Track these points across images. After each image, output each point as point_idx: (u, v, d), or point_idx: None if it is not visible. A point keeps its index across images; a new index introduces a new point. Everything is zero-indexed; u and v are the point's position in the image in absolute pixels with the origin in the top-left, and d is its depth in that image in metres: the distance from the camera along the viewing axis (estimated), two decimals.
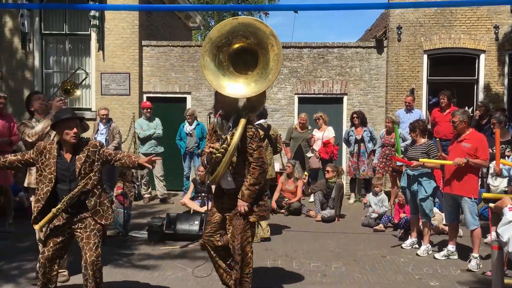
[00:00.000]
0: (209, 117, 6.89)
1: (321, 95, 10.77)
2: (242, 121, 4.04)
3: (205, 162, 4.24)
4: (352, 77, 10.70)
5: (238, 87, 4.06)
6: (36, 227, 3.89)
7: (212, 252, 4.38)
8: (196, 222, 6.67)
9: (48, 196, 3.88)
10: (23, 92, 10.38)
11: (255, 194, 4.12)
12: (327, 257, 5.85)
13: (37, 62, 10.53)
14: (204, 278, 5.06)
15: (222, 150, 3.99)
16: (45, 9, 10.36)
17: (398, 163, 7.41)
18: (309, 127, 9.64)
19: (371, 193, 7.89)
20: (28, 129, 4.76)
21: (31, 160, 4.00)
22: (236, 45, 4.09)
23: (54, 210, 3.84)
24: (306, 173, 9.25)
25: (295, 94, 10.75)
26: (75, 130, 3.90)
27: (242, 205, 4.10)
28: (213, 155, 4.05)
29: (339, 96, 10.78)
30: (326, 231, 7.21)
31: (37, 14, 10.47)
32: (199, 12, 15.92)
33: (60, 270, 4.79)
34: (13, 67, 10.50)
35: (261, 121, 6.75)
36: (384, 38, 10.78)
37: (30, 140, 4.64)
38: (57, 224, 3.93)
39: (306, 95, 10.77)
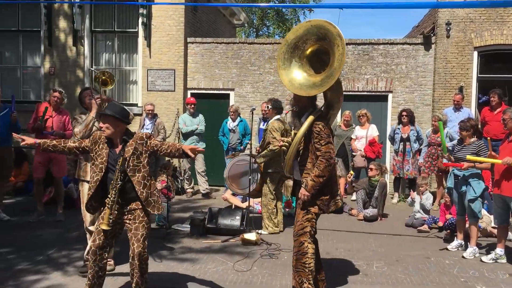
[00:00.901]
0: (252, 113, 6.97)
1: (365, 93, 10.60)
2: (310, 118, 4.27)
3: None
4: (398, 74, 10.47)
5: (305, 85, 4.28)
6: (104, 226, 3.97)
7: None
8: (238, 217, 6.73)
9: (97, 184, 4.03)
10: (74, 88, 10.76)
11: (319, 186, 4.20)
12: (369, 256, 5.77)
13: (87, 59, 10.89)
14: (244, 273, 5.11)
15: (286, 143, 4.42)
16: (96, 4, 10.67)
17: (445, 160, 7.19)
18: (353, 125, 9.52)
19: (415, 193, 7.71)
20: (77, 126, 4.96)
21: (87, 148, 4.15)
22: (310, 47, 4.32)
23: (106, 201, 3.99)
24: (351, 172, 9.15)
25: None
26: (106, 124, 4.03)
27: (304, 193, 4.20)
28: (284, 148, 4.46)
29: (383, 93, 10.57)
30: (368, 230, 7.11)
31: (88, 12, 10.82)
32: (243, 9, 16.01)
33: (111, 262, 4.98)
34: (64, 63, 10.90)
35: (277, 116, 6.75)
36: (432, 35, 10.48)
37: (77, 137, 4.82)
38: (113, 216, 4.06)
39: (350, 93, 10.62)
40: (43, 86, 10.87)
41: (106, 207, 3.98)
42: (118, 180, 3.97)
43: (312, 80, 4.29)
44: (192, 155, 4.07)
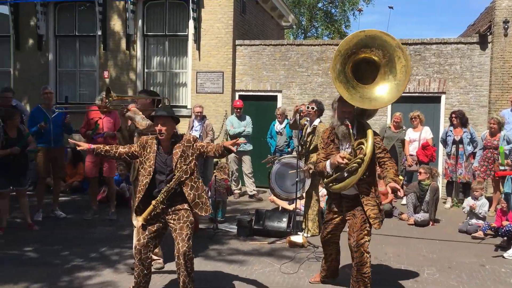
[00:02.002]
0: (300, 115, 6.91)
1: (417, 94, 10.31)
2: (370, 132, 4.21)
3: (328, 169, 4.34)
4: (452, 75, 10.11)
5: (369, 98, 4.19)
6: (140, 219, 4.12)
7: (329, 248, 4.67)
8: (284, 219, 6.71)
9: (147, 187, 4.12)
10: (127, 90, 11.12)
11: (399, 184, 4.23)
12: (419, 262, 5.60)
13: (139, 62, 11.22)
14: (291, 275, 5.08)
15: (358, 160, 4.15)
16: (148, 8, 10.98)
17: (502, 168, 6.87)
18: (404, 127, 9.28)
19: (469, 198, 7.41)
20: (139, 117, 4.89)
21: (136, 153, 4.27)
22: (361, 56, 4.21)
23: (153, 202, 4.07)
24: (401, 177, 8.91)
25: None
26: (160, 127, 4.09)
27: (395, 187, 4.17)
28: (345, 165, 4.18)
29: (436, 95, 10.24)
30: (419, 236, 6.90)
31: (140, 16, 11.14)
32: (292, 11, 15.97)
33: (155, 258, 5.10)
34: (118, 66, 11.28)
35: (318, 120, 6.65)
36: (488, 33, 10.05)
37: (141, 128, 4.86)
38: (153, 213, 4.15)
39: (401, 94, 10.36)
40: (98, 88, 11.29)
41: (151, 205, 4.08)
42: (174, 185, 4.06)
43: (369, 92, 4.19)
44: (234, 149, 4.10)
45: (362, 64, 4.24)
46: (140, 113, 4.95)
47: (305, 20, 30.36)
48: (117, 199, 7.82)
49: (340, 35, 29.57)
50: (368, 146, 4.13)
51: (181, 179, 4.09)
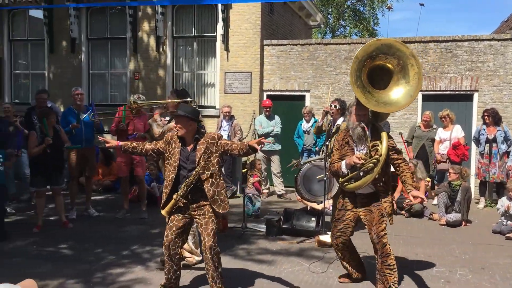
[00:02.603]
0: (327, 114, 6.89)
1: (448, 92, 10.12)
2: (385, 134, 4.41)
3: (343, 170, 4.52)
4: (484, 72, 9.88)
5: (384, 103, 4.46)
6: (164, 212, 4.28)
7: (341, 248, 4.71)
8: (313, 219, 6.71)
9: (172, 182, 4.23)
10: (157, 91, 11.30)
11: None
12: (451, 263, 5.51)
13: (169, 63, 11.38)
14: (320, 274, 5.08)
15: (374, 160, 4.32)
16: (177, 10, 11.13)
17: None
18: (434, 126, 9.13)
19: (504, 198, 7.24)
20: (155, 124, 5.27)
21: (161, 149, 4.39)
22: (376, 63, 4.49)
23: (174, 196, 4.20)
24: (428, 178, 8.79)
25: (419, 91, 10.21)
26: (178, 125, 4.24)
27: (417, 195, 4.28)
28: (361, 165, 4.37)
29: (468, 93, 10.03)
30: (450, 236, 6.78)
31: (170, 18, 11.30)
32: (319, 10, 15.90)
33: (186, 255, 5.19)
34: (148, 68, 11.47)
35: (342, 119, 6.59)
36: None
37: (155, 135, 5.16)
38: (175, 207, 4.25)
39: (431, 92, 10.21)
40: (128, 89, 11.51)
41: (173, 199, 4.19)
42: (193, 180, 4.15)
43: (384, 97, 4.47)
44: (259, 147, 4.16)
45: (376, 70, 4.55)
46: (158, 120, 5.23)
47: (333, 18, 30.16)
48: (147, 198, 7.95)
49: (369, 33, 29.27)
50: (383, 147, 4.33)
51: (201, 175, 4.17)
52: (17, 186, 8.83)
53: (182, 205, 4.23)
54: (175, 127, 4.31)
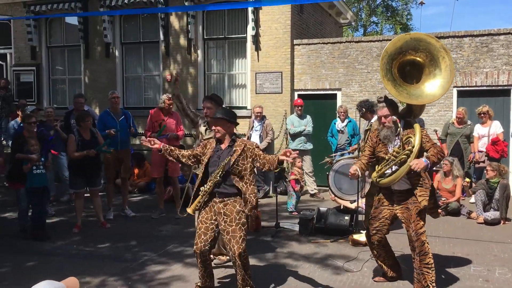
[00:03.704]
0: (360, 113, 6.86)
1: (484, 87, 9.87)
2: (417, 126, 4.40)
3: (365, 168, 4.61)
4: None
5: (416, 95, 4.45)
6: (189, 210, 4.37)
7: (376, 246, 4.69)
8: (346, 218, 6.68)
9: (201, 180, 4.38)
10: (188, 92, 11.47)
11: (434, 165, 4.29)
12: (490, 262, 5.39)
13: (200, 65, 11.52)
14: (354, 273, 5.07)
15: (407, 152, 4.29)
16: (208, 12, 11.28)
17: None
18: (469, 122, 8.93)
19: None
20: (202, 126, 5.58)
21: (198, 154, 4.49)
22: (407, 58, 4.50)
23: (201, 190, 4.31)
24: (467, 179, 8.62)
25: (454, 87, 10.02)
26: (217, 127, 4.36)
27: (418, 164, 4.16)
28: (394, 158, 4.36)
29: (506, 88, 9.76)
30: (489, 235, 6.63)
31: (201, 22, 11.45)
32: (350, 7, 15.76)
33: (221, 258, 5.28)
34: (179, 69, 11.65)
35: (375, 117, 6.51)
36: None
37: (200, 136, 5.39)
38: (206, 214, 4.32)
39: (467, 88, 9.98)
40: (161, 92, 11.71)
41: (199, 195, 4.29)
42: (218, 175, 4.23)
43: (416, 89, 4.45)
44: (289, 159, 4.14)
45: (407, 66, 4.55)
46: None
47: (364, 15, 29.84)
48: (181, 198, 8.08)
49: (402, 27, 28.85)
50: (416, 139, 4.29)
51: (232, 174, 4.24)
52: (57, 188, 9.15)
53: (206, 199, 4.32)
54: (214, 129, 4.40)
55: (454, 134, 8.94)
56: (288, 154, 4.10)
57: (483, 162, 8.52)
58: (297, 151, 4.44)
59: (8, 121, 10.93)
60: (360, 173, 4.60)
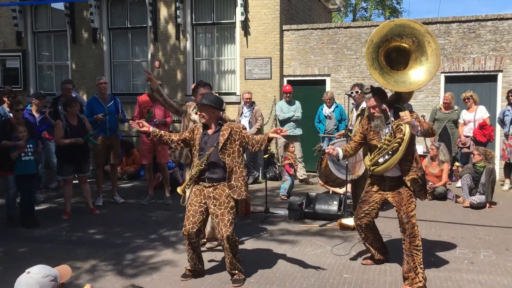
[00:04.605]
0: (349, 98, 6.90)
1: (471, 73, 9.96)
2: (407, 112, 4.34)
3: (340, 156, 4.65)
4: (509, 52, 9.68)
5: (403, 82, 4.47)
6: (178, 190, 4.48)
7: (364, 229, 4.76)
8: (335, 203, 6.76)
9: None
10: (176, 78, 11.41)
11: (425, 132, 4.25)
12: (475, 245, 5.51)
13: (189, 50, 11.45)
14: (342, 256, 5.15)
15: (398, 140, 4.31)
16: None
17: None
18: (456, 107, 9.03)
19: None
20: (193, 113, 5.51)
21: (188, 139, 4.52)
22: (392, 45, 4.51)
23: (188, 175, 4.40)
24: (457, 163, 8.73)
25: (441, 73, 10.10)
26: (203, 113, 4.41)
27: (406, 117, 4.12)
28: (386, 146, 4.38)
29: (492, 73, 9.85)
30: (475, 218, 6.75)
31: (189, 6, 11.35)
32: None
33: (213, 241, 5.34)
34: (168, 55, 11.57)
35: (364, 103, 6.54)
36: None
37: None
38: (195, 196, 4.39)
39: (454, 74, 10.07)
40: None
41: (187, 178, 4.39)
42: (203, 163, 4.31)
43: (404, 76, 4.48)
44: (279, 136, 4.25)
45: (393, 53, 4.57)
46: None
47: (354, 0, 29.78)
48: (171, 185, 8.10)
49: (392, 11, 28.89)
50: (406, 126, 4.30)
51: (220, 157, 4.30)
52: (46, 175, 9.10)
53: (196, 184, 4.40)
54: (199, 114, 4.43)
55: (441, 120, 9.04)
56: (278, 131, 4.18)
57: (468, 148, 8.64)
58: (288, 129, 4.47)
59: None
60: (340, 155, 4.64)
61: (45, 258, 4.97)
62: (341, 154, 4.66)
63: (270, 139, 4.29)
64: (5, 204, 6.84)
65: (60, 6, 12.34)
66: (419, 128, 4.17)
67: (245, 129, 4.52)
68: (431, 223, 6.48)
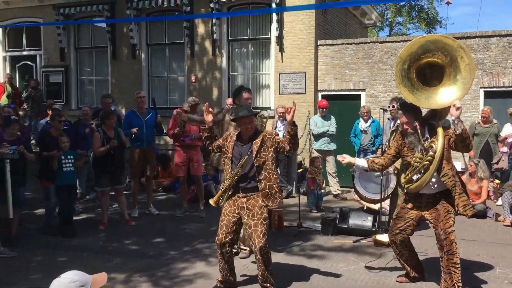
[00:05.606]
0: (384, 113, 6.84)
1: None
2: (440, 129, 4.32)
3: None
4: None
5: (435, 99, 4.41)
6: (211, 202, 4.51)
7: (399, 246, 4.65)
8: (369, 218, 6.65)
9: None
10: (213, 92, 11.58)
11: (467, 139, 4.14)
12: None
13: (224, 66, 11.62)
14: (376, 273, 5.05)
15: (429, 158, 4.25)
16: (233, 16, 11.41)
17: None
18: (494, 120, 8.78)
19: None
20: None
21: (220, 146, 4.59)
22: (424, 61, 4.45)
23: (221, 186, 4.40)
24: (497, 181, 8.47)
25: (480, 87, 9.87)
26: (248, 126, 4.42)
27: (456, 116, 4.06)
28: (417, 164, 4.33)
29: None
30: None
31: (225, 22, 11.55)
32: (374, 8, 15.66)
33: (242, 247, 5.36)
34: (204, 70, 11.77)
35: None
36: None
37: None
38: (229, 207, 4.41)
39: (494, 89, 9.81)
40: (186, 93, 11.85)
41: (220, 189, 4.40)
42: (236, 174, 4.31)
43: (435, 92, 4.40)
44: (290, 117, 4.31)
45: (427, 69, 4.49)
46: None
47: (390, 13, 29.57)
48: (205, 197, 8.17)
49: (428, 24, 28.60)
50: (438, 144, 4.25)
51: (255, 166, 4.31)
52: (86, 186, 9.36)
53: (230, 193, 4.41)
54: (246, 128, 4.41)
55: (482, 134, 8.79)
56: (288, 108, 4.29)
57: (497, 163, 8.38)
58: (294, 106, 4.45)
59: (38, 120, 11.27)
60: (361, 164, 4.64)
61: (81, 266, 5.09)
62: (362, 163, 4.60)
63: (291, 122, 4.33)
64: (44, 213, 7.07)
65: (101, 23, 12.79)
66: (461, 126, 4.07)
67: (278, 134, 4.55)
68: (470, 241, 6.29)
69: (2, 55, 14.04)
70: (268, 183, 4.36)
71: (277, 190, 4.41)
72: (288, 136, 4.38)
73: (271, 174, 4.38)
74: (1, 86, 12.84)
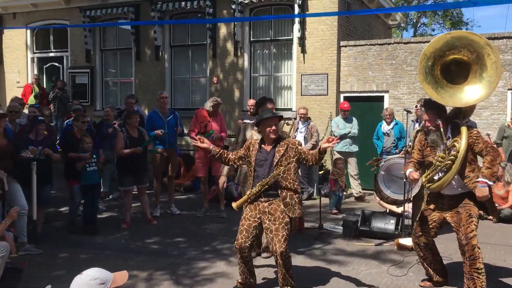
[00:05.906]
0: (407, 115, 6.75)
1: None
2: (464, 129, 4.22)
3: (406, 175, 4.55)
4: None
5: (459, 97, 4.31)
6: (234, 205, 4.50)
7: (423, 249, 4.60)
8: (392, 221, 6.57)
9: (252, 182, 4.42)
10: (234, 93, 11.61)
11: (495, 175, 4.13)
12: None
13: (246, 67, 11.64)
14: (399, 277, 4.98)
15: (452, 157, 4.17)
16: (254, 21, 11.44)
17: None
18: None
19: None
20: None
21: (243, 156, 4.57)
22: (449, 58, 4.34)
23: (248, 192, 4.38)
24: None
25: (508, 89, 9.64)
26: (273, 127, 4.37)
27: (482, 194, 4.06)
28: (439, 163, 4.27)
29: None
30: None
31: (247, 23, 11.57)
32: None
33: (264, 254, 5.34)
34: (226, 71, 11.81)
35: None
36: None
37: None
38: (250, 211, 4.40)
39: None
40: (208, 94, 11.91)
41: (246, 195, 4.37)
42: (267, 183, 4.28)
43: (460, 90, 4.30)
44: (330, 145, 4.14)
45: (452, 66, 4.38)
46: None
47: (414, 15, 29.22)
48: (226, 198, 8.19)
49: (453, 22, 28.14)
50: (462, 143, 4.15)
51: (278, 176, 4.28)
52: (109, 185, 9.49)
53: (252, 199, 4.38)
54: (270, 130, 4.38)
55: (511, 137, 8.58)
56: (330, 140, 4.13)
57: None
58: (338, 137, 4.40)
59: (63, 120, 11.48)
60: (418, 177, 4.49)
61: (104, 264, 5.15)
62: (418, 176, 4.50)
63: (323, 150, 4.22)
64: (69, 212, 7.19)
65: (126, 25, 12.97)
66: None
67: (301, 145, 4.51)
68: (496, 246, 6.14)
69: (30, 56, 14.34)
70: (289, 193, 4.33)
71: (297, 201, 4.37)
72: (316, 157, 4.27)
73: (292, 184, 4.35)
74: (29, 87, 13.12)
